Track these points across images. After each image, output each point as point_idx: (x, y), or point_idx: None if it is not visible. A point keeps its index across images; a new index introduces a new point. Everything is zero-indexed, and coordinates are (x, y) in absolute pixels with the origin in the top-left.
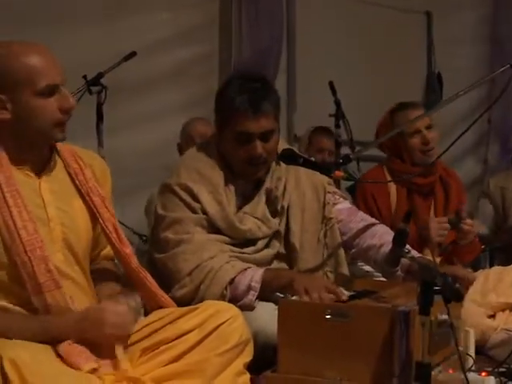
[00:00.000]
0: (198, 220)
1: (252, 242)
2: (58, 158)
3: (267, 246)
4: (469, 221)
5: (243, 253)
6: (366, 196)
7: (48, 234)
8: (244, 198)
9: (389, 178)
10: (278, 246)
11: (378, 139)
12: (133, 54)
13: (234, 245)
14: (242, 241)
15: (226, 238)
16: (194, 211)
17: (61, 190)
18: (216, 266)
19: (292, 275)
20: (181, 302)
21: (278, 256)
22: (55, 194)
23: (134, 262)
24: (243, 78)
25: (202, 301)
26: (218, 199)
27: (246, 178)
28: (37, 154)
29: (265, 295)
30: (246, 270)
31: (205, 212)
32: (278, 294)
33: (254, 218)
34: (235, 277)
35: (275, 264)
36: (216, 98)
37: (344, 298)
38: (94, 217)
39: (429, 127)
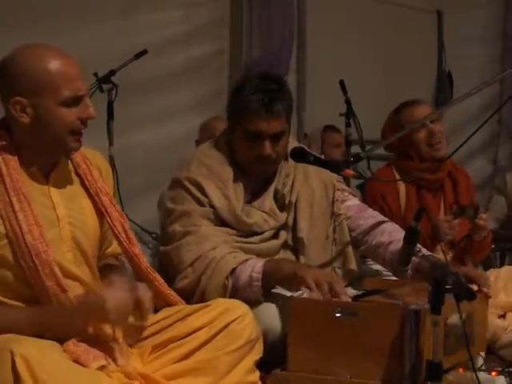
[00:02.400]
0: (206, 213)
1: (259, 232)
2: (67, 159)
3: (274, 236)
4: (483, 215)
5: (249, 242)
6: (376, 196)
7: (57, 233)
8: (252, 194)
9: (397, 176)
10: (284, 237)
11: (385, 140)
12: (144, 52)
13: (240, 237)
14: (249, 234)
15: (233, 231)
16: (201, 204)
17: (69, 191)
18: (217, 256)
19: (294, 267)
20: (183, 293)
21: (285, 246)
22: (64, 194)
23: (144, 262)
24: (260, 78)
25: (203, 292)
26: (226, 194)
27: (254, 175)
28: (48, 157)
29: (269, 287)
30: (247, 260)
31: (212, 206)
32: (275, 290)
33: (260, 212)
34: (236, 267)
35: (282, 254)
36: (230, 94)
37: (345, 297)
38: (101, 216)
39: (433, 121)
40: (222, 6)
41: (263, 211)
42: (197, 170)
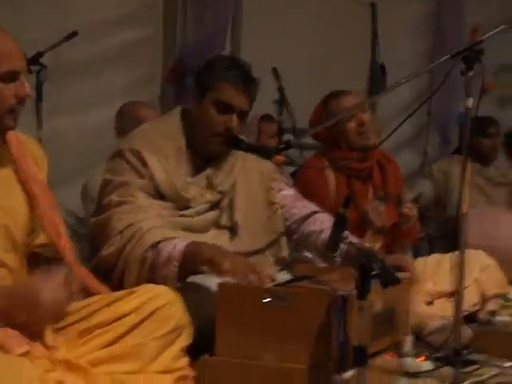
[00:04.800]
0: (144, 186)
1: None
2: (3, 143)
3: (208, 210)
4: (409, 204)
5: (184, 216)
6: (306, 184)
7: None
8: (191, 174)
9: (327, 165)
10: (217, 214)
11: (313, 128)
12: (74, 34)
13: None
14: (185, 209)
15: (170, 205)
16: (141, 177)
17: (2, 176)
18: (145, 227)
19: (214, 252)
20: (108, 261)
21: (219, 227)
22: None
23: (69, 255)
24: (231, 59)
25: (125, 261)
26: (166, 167)
27: (201, 154)
28: None
29: (188, 269)
30: (173, 238)
31: (152, 178)
32: (192, 278)
33: (197, 187)
34: (160, 242)
35: (214, 232)
36: (204, 66)
37: (268, 284)
38: (32, 205)
39: (361, 111)
40: None
41: (200, 187)
42: (139, 143)
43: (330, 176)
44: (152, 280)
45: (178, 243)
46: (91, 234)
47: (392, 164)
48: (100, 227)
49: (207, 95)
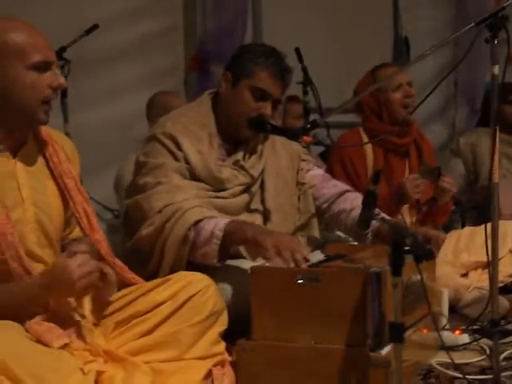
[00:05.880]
0: (179, 168)
1: (229, 188)
2: (35, 138)
3: (243, 192)
4: (447, 178)
5: (219, 197)
6: (344, 158)
7: (22, 214)
8: (223, 159)
9: (365, 139)
10: (252, 196)
11: (358, 96)
12: (95, 27)
13: (211, 191)
14: (220, 190)
15: (206, 186)
16: (176, 159)
17: (35, 171)
18: (185, 206)
19: (256, 231)
20: (147, 240)
21: (250, 210)
22: (30, 174)
23: (104, 248)
24: (266, 46)
25: (165, 240)
26: (200, 149)
27: (231, 139)
28: (17, 134)
29: (228, 247)
30: (212, 217)
31: (187, 161)
32: (231, 262)
33: (231, 169)
34: (201, 220)
35: (245, 215)
36: (239, 52)
37: (303, 265)
38: (65, 199)
39: (409, 83)
40: None
41: (233, 168)
42: (172, 127)
43: (368, 150)
44: (191, 259)
45: (219, 222)
46: (127, 215)
47: (426, 142)
48: (137, 207)
49: (243, 81)
